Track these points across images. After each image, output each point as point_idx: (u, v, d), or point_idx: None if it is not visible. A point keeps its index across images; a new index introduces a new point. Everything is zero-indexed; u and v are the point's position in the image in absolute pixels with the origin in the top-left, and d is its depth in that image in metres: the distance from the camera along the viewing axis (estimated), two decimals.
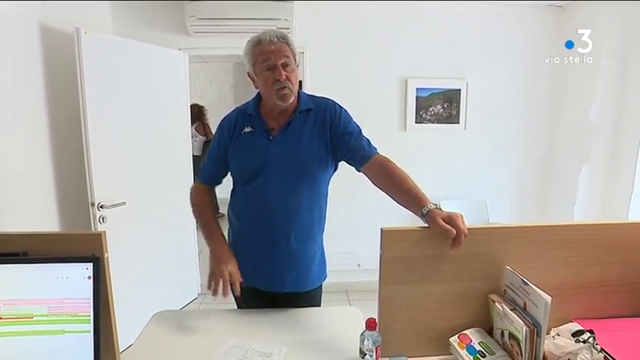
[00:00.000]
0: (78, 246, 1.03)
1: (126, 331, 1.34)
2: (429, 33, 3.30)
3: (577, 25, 3.12)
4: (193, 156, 3.46)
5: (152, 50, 2.79)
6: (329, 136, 1.43)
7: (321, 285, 1.58)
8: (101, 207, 2.40)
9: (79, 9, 2.58)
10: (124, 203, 2.53)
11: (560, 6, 3.30)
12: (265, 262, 1.46)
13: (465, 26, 3.31)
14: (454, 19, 3.29)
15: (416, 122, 3.40)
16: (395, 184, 1.29)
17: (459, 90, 3.38)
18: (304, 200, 1.43)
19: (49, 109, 2.32)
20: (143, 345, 1.27)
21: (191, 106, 3.45)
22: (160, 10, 3.07)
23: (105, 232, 1.04)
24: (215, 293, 1.30)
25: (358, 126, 1.47)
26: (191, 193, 1.58)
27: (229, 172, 1.53)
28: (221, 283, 1.31)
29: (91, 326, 1.01)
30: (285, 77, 1.36)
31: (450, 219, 1.08)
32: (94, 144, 2.35)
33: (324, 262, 1.59)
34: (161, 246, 2.94)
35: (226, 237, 1.53)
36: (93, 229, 2.36)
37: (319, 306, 1.57)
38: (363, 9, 3.20)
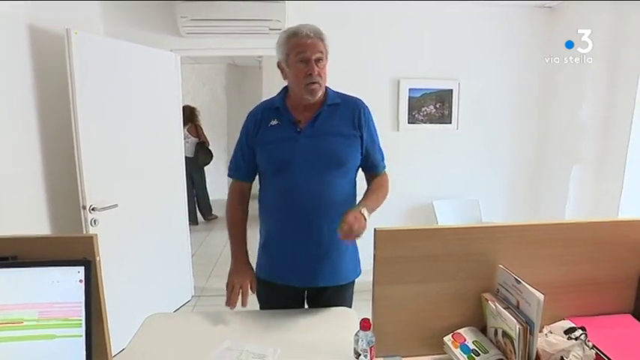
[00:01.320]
0: (69, 249, 1.02)
1: (118, 334, 1.32)
2: (420, 33, 3.32)
3: (567, 26, 3.16)
4: (186, 157, 3.44)
5: (144, 51, 2.77)
6: (360, 133, 1.47)
7: (353, 282, 1.59)
8: (93, 209, 2.37)
9: (69, 9, 2.55)
10: (116, 205, 2.50)
11: (550, 7, 3.33)
12: (300, 257, 1.46)
13: (456, 27, 3.33)
14: (446, 20, 3.31)
15: (409, 122, 3.41)
16: (369, 188, 1.53)
17: (451, 90, 3.40)
18: (333, 191, 1.44)
19: (38, 111, 2.30)
20: (136, 348, 1.26)
21: (183, 107, 3.43)
22: (151, 11, 3.05)
23: (96, 234, 1.03)
24: (227, 303, 1.47)
25: (376, 130, 1.54)
26: (228, 195, 1.59)
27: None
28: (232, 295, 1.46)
29: (82, 330, 1.00)
30: (317, 72, 1.38)
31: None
32: (85, 146, 2.32)
33: (357, 257, 1.58)
34: (154, 248, 2.92)
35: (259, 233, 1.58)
36: (85, 232, 2.34)
37: (350, 304, 1.59)
38: (355, 9, 3.20)
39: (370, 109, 1.53)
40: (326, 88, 1.49)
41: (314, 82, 1.39)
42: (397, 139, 3.44)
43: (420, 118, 3.43)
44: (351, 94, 1.55)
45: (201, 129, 5.49)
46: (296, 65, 1.40)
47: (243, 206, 1.57)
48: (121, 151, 2.61)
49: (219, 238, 4.83)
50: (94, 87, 2.37)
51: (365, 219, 1.31)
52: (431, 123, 3.45)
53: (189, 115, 5.22)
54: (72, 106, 2.26)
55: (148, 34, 3.03)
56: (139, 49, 2.72)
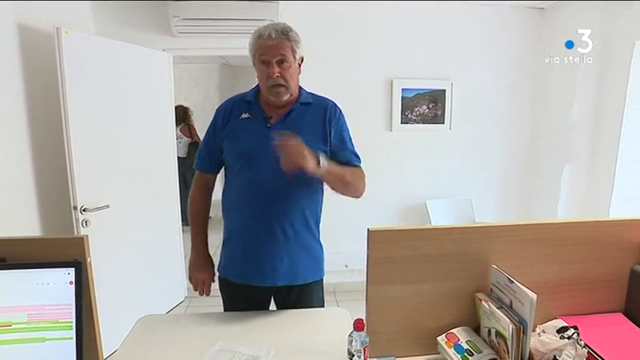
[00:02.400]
0: (59, 251, 1.01)
1: (110, 336, 1.31)
2: (413, 34, 3.33)
3: (558, 27, 3.19)
4: (178, 158, 3.42)
5: (135, 51, 2.75)
6: (328, 131, 1.45)
7: (318, 283, 1.55)
8: (84, 210, 2.35)
9: (60, 8, 2.53)
10: (107, 206, 2.48)
11: (541, 7, 3.36)
12: (258, 254, 1.44)
13: (448, 27, 3.34)
14: (438, 20, 3.32)
15: (402, 122, 3.42)
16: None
17: (444, 90, 3.42)
18: (297, 190, 1.43)
19: (28, 111, 2.27)
20: (128, 351, 1.25)
21: (176, 107, 3.41)
22: (143, 10, 3.02)
23: (87, 235, 1.02)
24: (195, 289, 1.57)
25: (350, 134, 1.51)
26: (192, 186, 1.60)
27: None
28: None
29: (73, 333, 0.99)
30: (277, 74, 1.37)
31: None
32: (76, 146, 2.30)
33: (319, 259, 1.55)
34: (146, 249, 2.89)
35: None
36: (76, 233, 2.31)
37: (321, 304, 1.56)
38: (348, 9, 3.20)
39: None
40: (299, 87, 1.48)
41: (278, 85, 1.38)
42: (390, 140, 3.44)
43: (413, 118, 3.44)
44: (324, 95, 1.54)
45: (194, 129, 5.46)
46: (259, 67, 1.40)
47: (206, 198, 1.59)
48: (113, 151, 2.58)
49: (213, 239, 4.78)
50: (84, 87, 2.35)
51: (310, 158, 1.28)
52: (424, 123, 3.46)
53: (182, 115, 5.19)
54: (62, 105, 2.24)
55: (140, 34, 3.01)
56: (130, 49, 2.70)
